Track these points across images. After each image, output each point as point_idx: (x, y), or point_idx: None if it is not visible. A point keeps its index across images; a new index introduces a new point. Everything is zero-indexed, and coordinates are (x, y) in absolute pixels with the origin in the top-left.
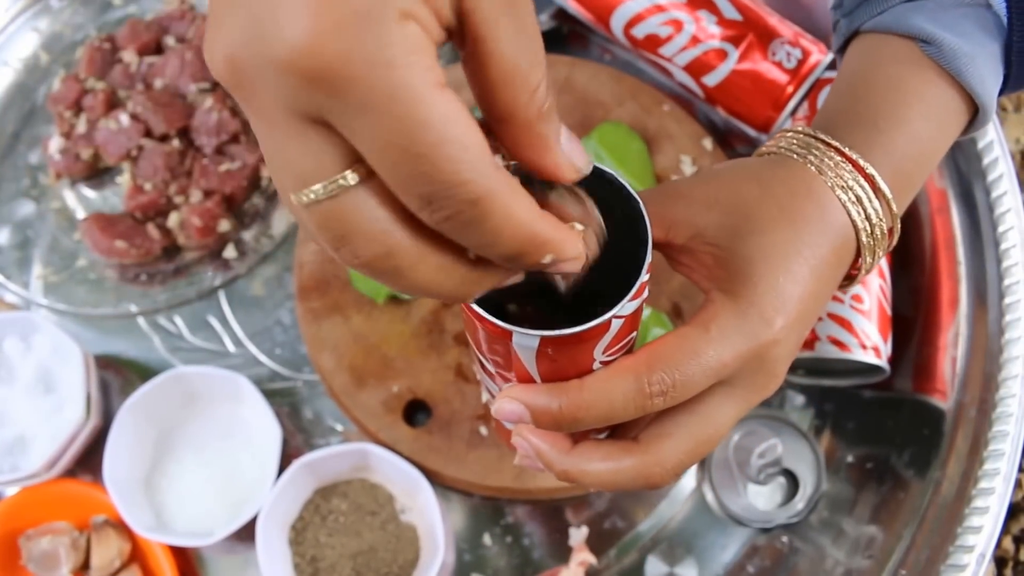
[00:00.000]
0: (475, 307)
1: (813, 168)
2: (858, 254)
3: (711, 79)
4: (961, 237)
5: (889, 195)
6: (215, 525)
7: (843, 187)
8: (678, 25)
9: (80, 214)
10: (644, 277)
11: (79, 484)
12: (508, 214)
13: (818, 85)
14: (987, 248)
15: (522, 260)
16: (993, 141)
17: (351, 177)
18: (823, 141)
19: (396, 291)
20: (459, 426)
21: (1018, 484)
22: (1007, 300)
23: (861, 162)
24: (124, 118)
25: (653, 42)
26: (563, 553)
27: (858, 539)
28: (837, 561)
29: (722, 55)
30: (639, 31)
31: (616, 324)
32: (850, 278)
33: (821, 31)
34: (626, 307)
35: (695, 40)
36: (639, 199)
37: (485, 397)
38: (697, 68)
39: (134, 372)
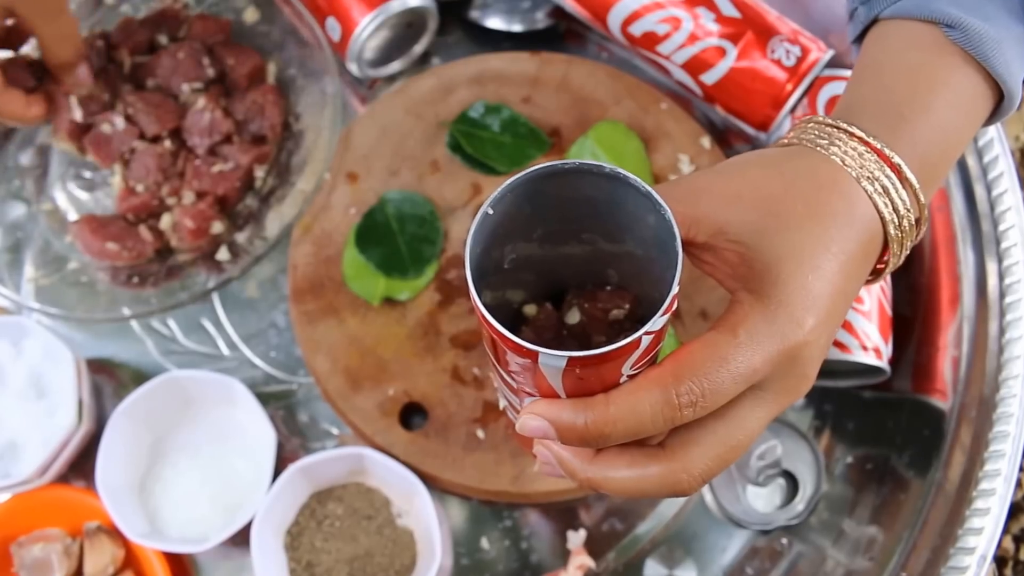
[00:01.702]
0: (502, 330)
1: (837, 159)
2: (885, 246)
3: (709, 77)
4: (961, 236)
5: (916, 184)
6: (210, 531)
7: (869, 178)
8: (676, 23)
9: (72, 216)
10: (675, 290)
11: (71, 490)
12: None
13: (817, 83)
14: (987, 247)
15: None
16: (993, 139)
17: None
18: (846, 131)
19: None
20: (456, 429)
21: (1019, 484)
22: (1008, 299)
23: (887, 151)
24: (119, 120)
25: (651, 40)
26: (561, 556)
27: (858, 540)
28: (837, 563)
29: (720, 53)
30: (636, 29)
31: (646, 340)
32: (876, 272)
33: (820, 28)
34: (657, 322)
35: (693, 38)
36: (668, 209)
37: (503, 404)
38: (695, 66)
39: (127, 376)
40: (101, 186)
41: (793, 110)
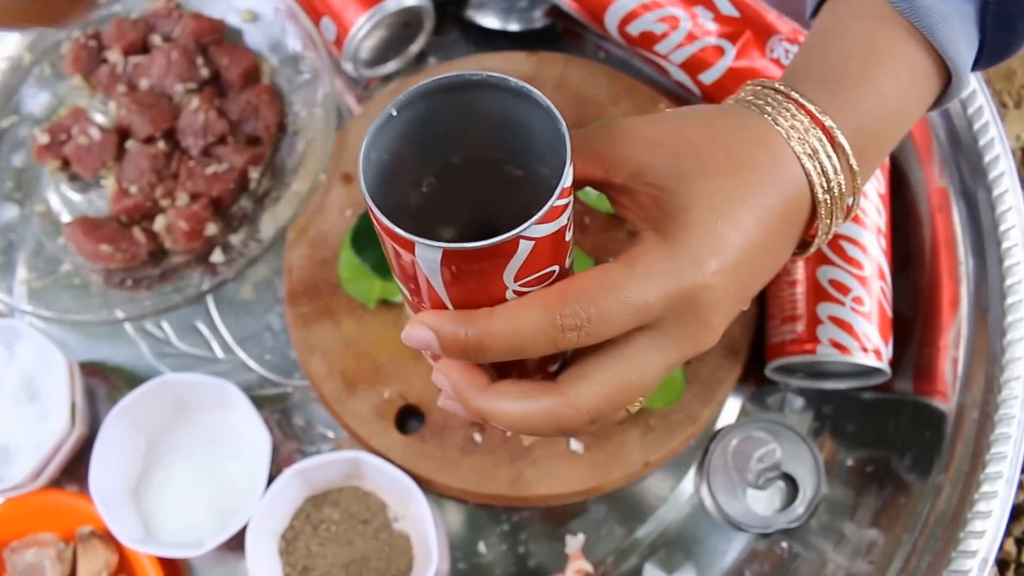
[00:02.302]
0: (384, 219)
1: (768, 118)
2: (815, 215)
3: (708, 77)
4: (962, 236)
5: (849, 150)
6: (204, 535)
7: (799, 139)
8: (674, 22)
9: (65, 218)
10: (558, 202)
11: (64, 495)
12: None
13: None
14: (988, 247)
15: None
16: (994, 138)
17: None
18: (782, 93)
19: None
20: (452, 433)
21: (1021, 485)
22: (1009, 300)
23: (819, 114)
24: (95, 132)
25: (648, 39)
26: (559, 561)
27: (859, 544)
28: (838, 566)
29: (719, 52)
30: (634, 28)
31: (525, 247)
32: (806, 244)
33: None
34: (535, 229)
35: (691, 37)
36: (562, 119)
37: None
38: (693, 66)
39: (121, 379)
40: (94, 188)
41: None
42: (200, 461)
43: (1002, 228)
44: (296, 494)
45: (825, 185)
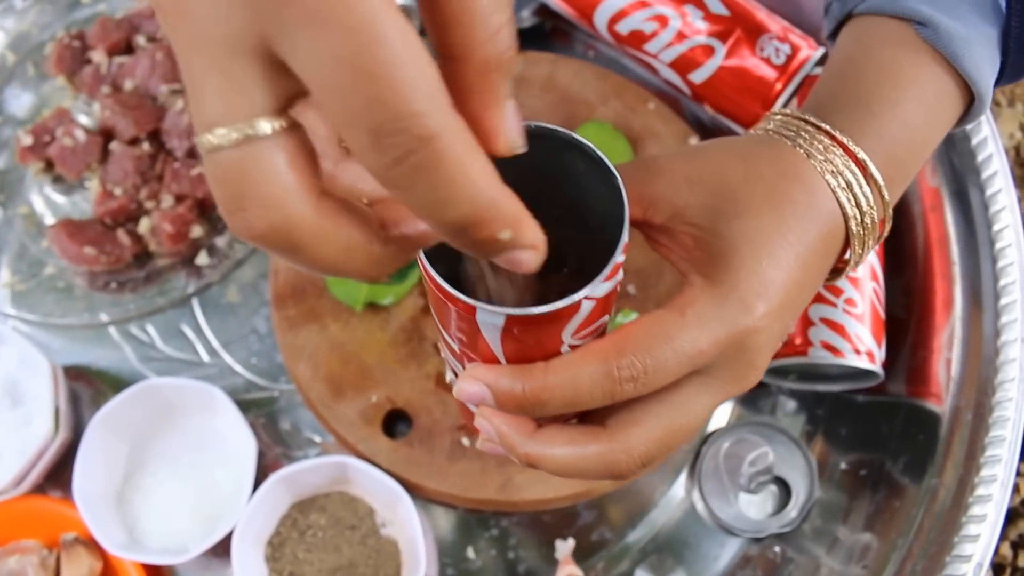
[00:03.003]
0: (440, 281)
1: (802, 151)
2: (847, 244)
3: (698, 76)
4: (955, 236)
5: (880, 181)
6: (189, 542)
7: (833, 172)
8: (663, 21)
9: (48, 220)
10: (619, 258)
11: (48, 501)
12: (465, 166)
13: (807, 82)
14: (982, 247)
15: (474, 233)
16: (987, 137)
17: (264, 126)
18: (813, 124)
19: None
20: (440, 437)
21: (1016, 489)
22: (1003, 301)
23: (852, 146)
24: (80, 133)
25: (638, 38)
26: (549, 566)
27: (852, 548)
28: (832, 570)
29: (709, 51)
30: (623, 27)
31: (587, 306)
32: (837, 270)
33: (810, 26)
34: (599, 288)
35: (681, 36)
36: (618, 175)
37: (449, 377)
38: (683, 65)
39: (105, 383)
40: (78, 190)
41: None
42: (185, 466)
43: (995, 228)
44: (282, 499)
45: (859, 218)
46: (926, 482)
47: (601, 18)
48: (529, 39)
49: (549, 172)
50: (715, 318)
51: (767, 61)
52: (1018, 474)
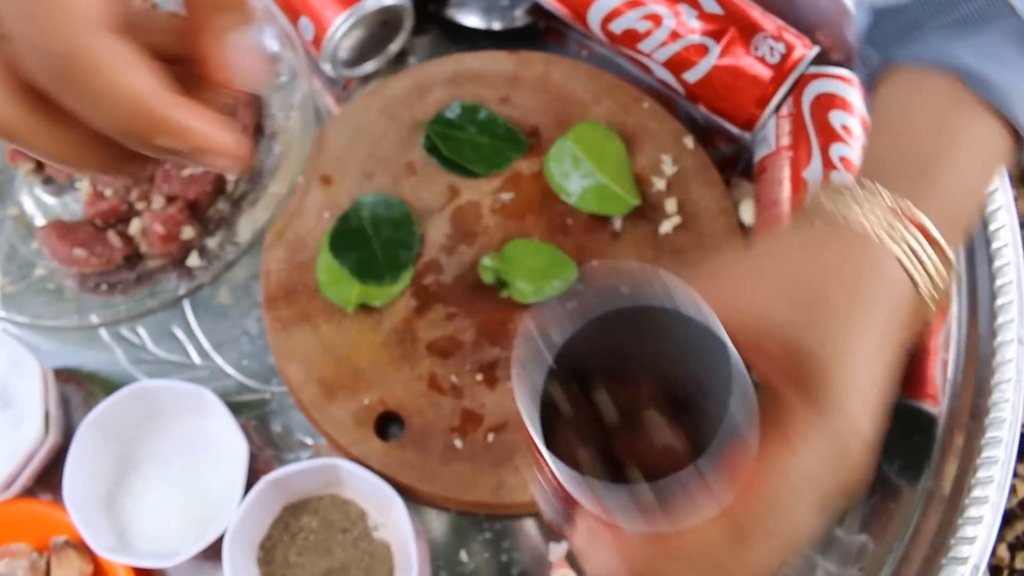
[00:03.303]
0: (558, 468)
1: (865, 226)
2: (919, 305)
3: (692, 75)
4: None
5: (943, 243)
6: (180, 545)
7: (897, 241)
8: (657, 20)
9: (39, 221)
10: (733, 433)
11: (38, 504)
12: (112, 77)
13: (803, 81)
14: (978, 248)
15: (136, 137)
16: None
17: None
18: (869, 190)
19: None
20: (433, 439)
21: (1013, 490)
22: (999, 301)
23: (913, 211)
24: None
25: (631, 38)
26: (543, 569)
27: (848, 550)
28: (827, 573)
29: (703, 50)
30: (617, 26)
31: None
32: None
33: (805, 24)
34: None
35: (675, 35)
36: (728, 342)
37: (548, 513)
38: (677, 64)
39: (96, 385)
40: (69, 191)
41: (778, 108)
42: (176, 469)
43: (991, 228)
44: (274, 502)
45: (930, 284)
46: (922, 484)
47: (595, 17)
48: (523, 38)
49: (668, 343)
50: (820, 435)
51: (762, 60)
52: (1015, 476)
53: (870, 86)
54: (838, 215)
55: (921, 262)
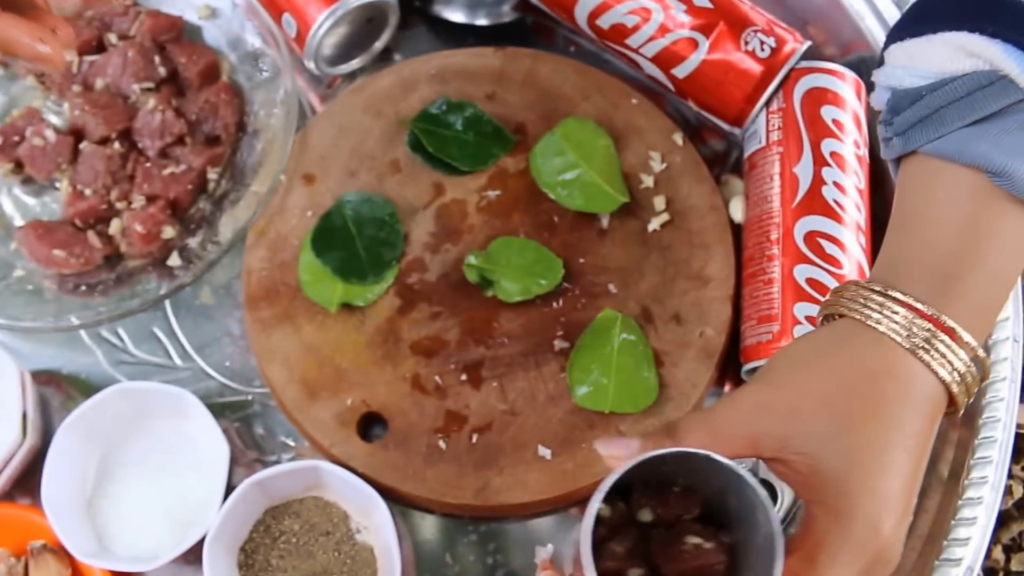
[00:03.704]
0: None
1: (886, 331)
2: (952, 400)
3: (681, 71)
4: None
5: (974, 343)
6: (160, 548)
7: (923, 347)
8: (645, 14)
9: (17, 221)
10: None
11: (15, 508)
12: None
13: (793, 75)
14: None
15: None
16: None
17: None
18: (892, 298)
19: None
20: (416, 440)
21: (1008, 491)
22: None
23: (938, 316)
24: (50, 133)
25: (619, 32)
26: (528, 572)
27: None
28: None
29: (692, 45)
30: (604, 21)
31: None
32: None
33: (797, 19)
34: None
35: (663, 30)
36: (777, 522)
37: None
38: (666, 59)
39: (76, 388)
40: (48, 191)
41: (768, 104)
42: (157, 472)
43: None
44: (256, 505)
45: (959, 380)
46: None
47: (582, 12)
48: (510, 35)
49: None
50: (846, 551)
51: (752, 55)
52: (1010, 477)
53: (895, 167)
54: (860, 314)
55: (950, 363)
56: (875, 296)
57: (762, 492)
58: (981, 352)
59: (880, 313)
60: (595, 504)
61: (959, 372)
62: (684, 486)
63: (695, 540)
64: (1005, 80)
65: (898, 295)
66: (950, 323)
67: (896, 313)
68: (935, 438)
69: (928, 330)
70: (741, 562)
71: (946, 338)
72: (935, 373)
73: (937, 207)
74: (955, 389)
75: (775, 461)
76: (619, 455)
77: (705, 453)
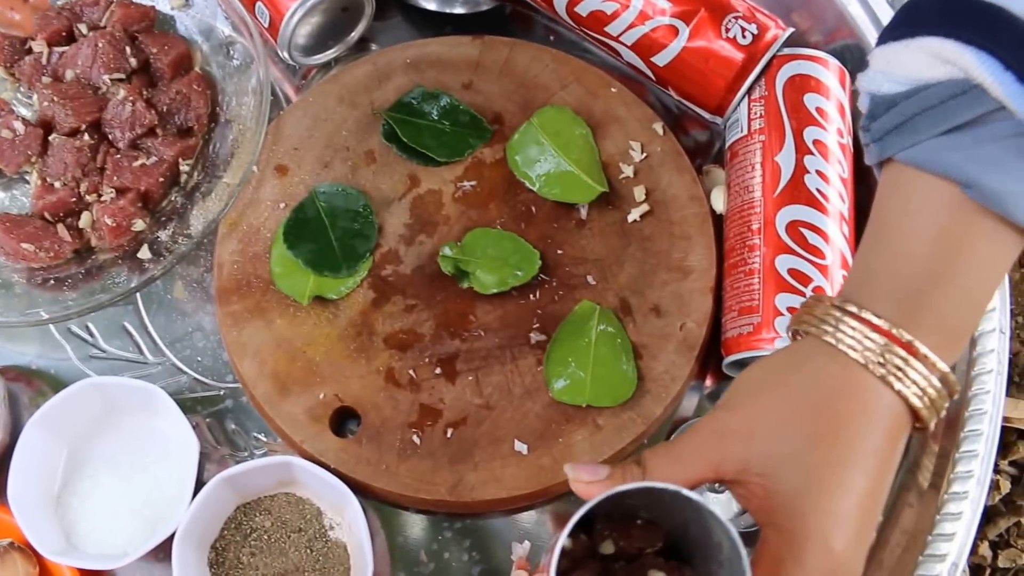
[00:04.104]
0: None
1: (845, 351)
2: (917, 416)
3: (661, 59)
4: None
5: (936, 359)
6: (129, 546)
7: (879, 362)
8: (625, 1)
9: None
10: None
11: None
12: None
13: (776, 63)
14: None
15: None
16: None
17: None
18: (853, 315)
19: None
20: (390, 435)
21: (996, 486)
22: None
23: (895, 331)
24: (19, 125)
25: (598, 20)
26: (504, 569)
27: None
28: None
29: (672, 32)
30: (583, 8)
31: None
32: (917, 429)
33: (780, 5)
34: None
35: (643, 16)
36: (738, 542)
37: None
38: (646, 47)
39: (46, 384)
40: (18, 183)
41: (750, 92)
42: (126, 468)
43: None
44: (226, 502)
45: (920, 394)
46: (899, 479)
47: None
48: (488, 24)
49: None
50: (800, 573)
51: (733, 42)
52: (997, 471)
53: (879, 173)
54: (819, 330)
55: (914, 381)
56: (837, 313)
57: (729, 527)
58: (945, 367)
59: (838, 330)
60: (562, 540)
61: (921, 388)
62: (647, 519)
63: (658, 574)
64: (978, 89)
65: (855, 311)
66: (907, 338)
67: (853, 329)
68: (903, 453)
69: (885, 346)
70: None
71: (906, 355)
72: (895, 391)
73: (910, 218)
74: (917, 404)
75: (735, 484)
76: (585, 480)
77: (673, 488)
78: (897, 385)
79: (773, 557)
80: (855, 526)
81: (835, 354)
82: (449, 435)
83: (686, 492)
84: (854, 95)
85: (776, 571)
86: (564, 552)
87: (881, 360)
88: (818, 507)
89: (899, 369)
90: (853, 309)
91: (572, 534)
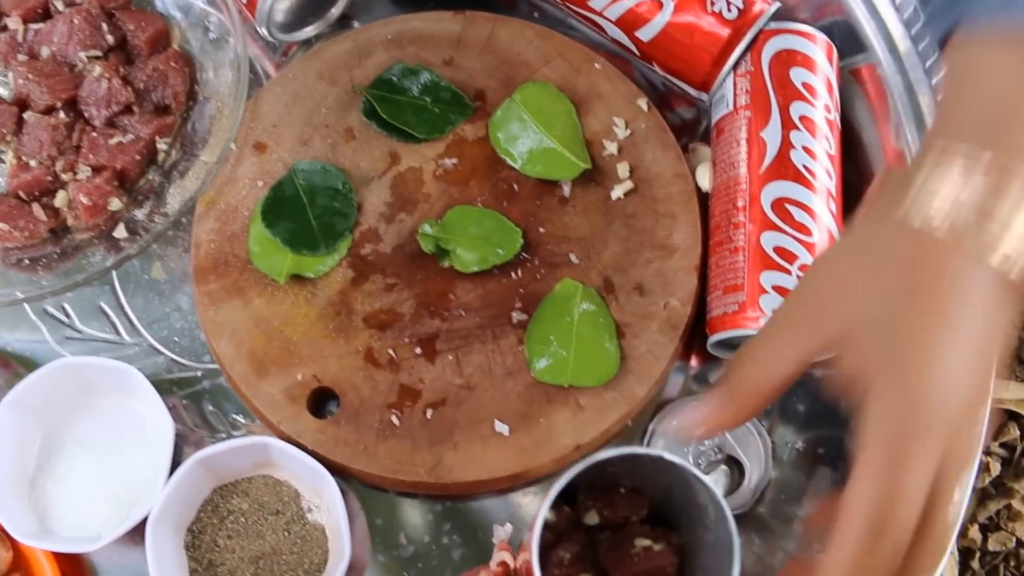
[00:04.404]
0: None
1: (942, 220)
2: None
3: (645, 33)
4: None
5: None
6: (103, 529)
7: (978, 233)
8: None
9: None
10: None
11: None
12: None
13: (762, 37)
14: None
15: None
16: None
17: None
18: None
19: None
20: (369, 415)
21: (986, 468)
22: None
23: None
24: None
25: None
26: (486, 552)
27: (810, 531)
28: (788, 554)
29: (656, 6)
30: None
31: None
32: None
33: None
34: None
35: None
36: (723, 503)
37: None
38: (630, 21)
39: (21, 365)
40: None
41: (736, 67)
42: (101, 450)
43: None
44: (202, 483)
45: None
46: None
47: None
48: None
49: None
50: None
51: (718, 16)
52: (988, 454)
53: (941, 49)
54: (917, 213)
55: (1000, 221)
56: (934, 170)
57: (713, 490)
58: None
59: (938, 189)
60: (543, 512)
61: (1010, 228)
62: (630, 487)
63: (644, 542)
64: None
65: (951, 145)
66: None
67: (951, 188)
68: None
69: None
70: (691, 562)
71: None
72: (992, 266)
73: (982, 79)
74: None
75: (839, 348)
76: (712, 414)
77: (656, 453)
78: (996, 260)
79: (885, 419)
80: (963, 383)
81: (932, 241)
82: (429, 416)
83: (669, 456)
84: (841, 71)
85: (892, 428)
86: (547, 525)
87: (979, 232)
88: (925, 357)
89: (987, 214)
90: (948, 150)
91: (555, 506)
